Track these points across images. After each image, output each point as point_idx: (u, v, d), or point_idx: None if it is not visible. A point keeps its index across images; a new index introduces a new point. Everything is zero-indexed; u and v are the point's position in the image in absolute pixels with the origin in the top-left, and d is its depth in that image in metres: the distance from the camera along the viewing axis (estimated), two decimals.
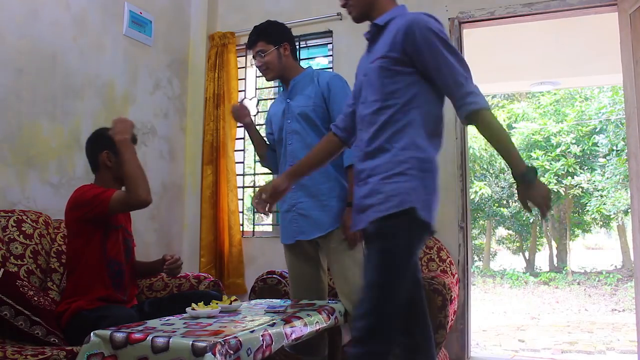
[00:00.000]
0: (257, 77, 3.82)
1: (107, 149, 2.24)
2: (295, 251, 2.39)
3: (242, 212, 3.70)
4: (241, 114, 2.48)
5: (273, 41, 2.36)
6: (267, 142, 2.55)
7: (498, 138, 1.51)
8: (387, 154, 1.55)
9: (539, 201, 1.48)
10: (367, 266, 1.55)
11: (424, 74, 1.56)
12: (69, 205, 2.15)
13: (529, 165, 1.48)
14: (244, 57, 3.80)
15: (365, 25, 1.75)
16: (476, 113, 1.50)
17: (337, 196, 2.29)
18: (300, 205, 2.31)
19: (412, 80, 1.57)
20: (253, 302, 2.28)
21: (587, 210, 10.99)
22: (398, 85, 1.57)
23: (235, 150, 3.64)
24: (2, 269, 1.95)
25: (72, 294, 2.10)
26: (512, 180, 10.96)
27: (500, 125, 1.52)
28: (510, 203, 12.05)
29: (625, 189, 9.33)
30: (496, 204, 11.90)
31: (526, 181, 1.48)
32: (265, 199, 1.83)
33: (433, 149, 1.59)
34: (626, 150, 5.73)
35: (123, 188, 2.19)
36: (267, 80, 2.48)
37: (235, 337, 1.47)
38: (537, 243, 13.09)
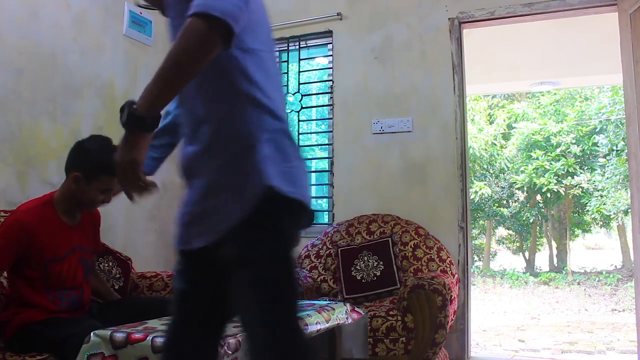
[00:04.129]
0: None
1: (80, 170, 1.90)
2: None
3: None
4: None
5: None
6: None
7: (167, 58, 1.00)
8: None
9: (116, 161, 1.05)
10: None
11: None
12: None
13: (141, 115, 1.01)
14: None
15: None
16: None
17: None
18: None
19: None
20: None
21: (587, 210, 11.00)
22: None
23: None
24: None
25: (16, 303, 1.88)
26: (512, 180, 11.06)
27: (184, 46, 0.99)
28: (510, 203, 12.06)
29: (625, 189, 9.33)
30: (496, 204, 11.90)
31: (126, 126, 1.03)
32: None
33: None
34: (626, 150, 5.73)
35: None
36: None
37: (235, 337, 1.47)
38: (537, 243, 13.09)
